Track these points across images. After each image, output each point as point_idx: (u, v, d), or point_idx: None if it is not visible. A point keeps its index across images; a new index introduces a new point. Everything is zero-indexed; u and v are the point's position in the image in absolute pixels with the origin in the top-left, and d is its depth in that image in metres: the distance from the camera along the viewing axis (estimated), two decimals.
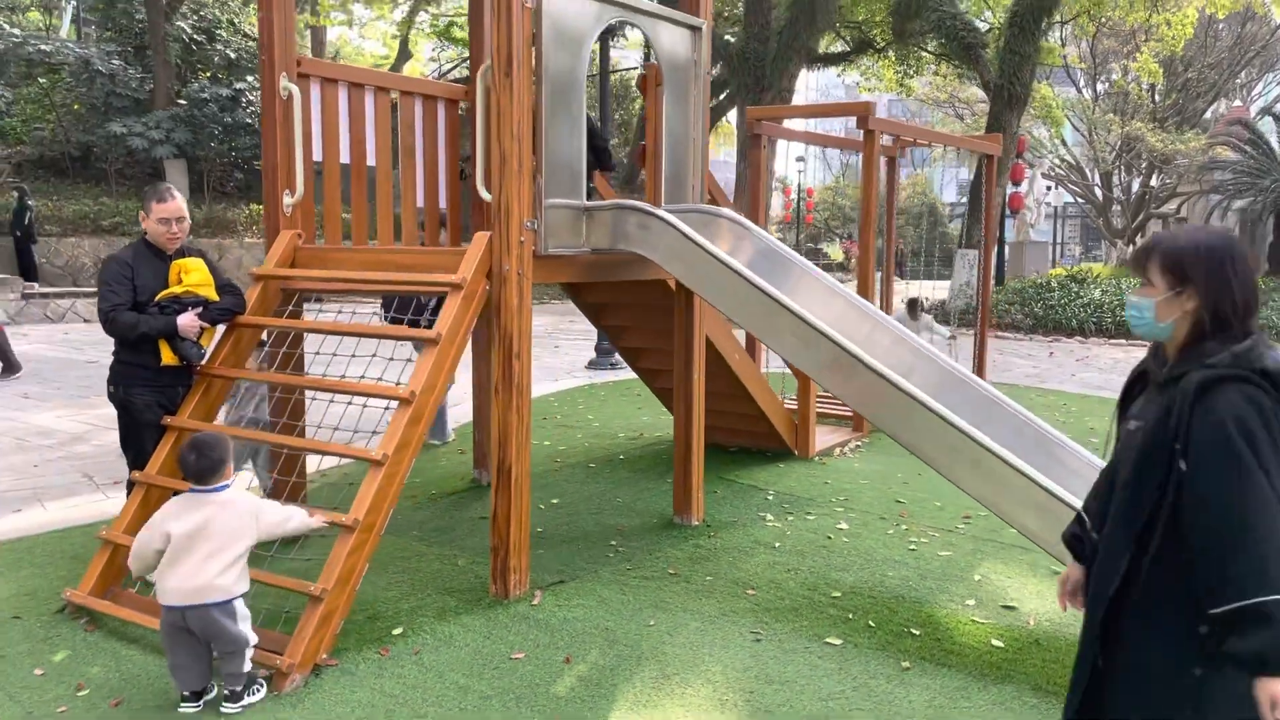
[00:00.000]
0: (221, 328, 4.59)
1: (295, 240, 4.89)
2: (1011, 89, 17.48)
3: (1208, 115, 35.66)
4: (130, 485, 4.41)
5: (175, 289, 4.39)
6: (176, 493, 4.21)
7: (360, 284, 4.68)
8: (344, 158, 5.27)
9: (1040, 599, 4.52)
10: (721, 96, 24.06)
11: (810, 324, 4.03)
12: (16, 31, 23.88)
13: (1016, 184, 20.46)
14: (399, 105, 5.62)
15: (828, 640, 4.05)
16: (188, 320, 4.35)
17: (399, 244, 5.54)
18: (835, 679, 3.72)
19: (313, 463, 6.16)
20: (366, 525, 3.77)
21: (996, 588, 4.67)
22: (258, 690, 3.45)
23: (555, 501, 5.99)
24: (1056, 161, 40.14)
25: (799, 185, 43.95)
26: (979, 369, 9.81)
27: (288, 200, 4.90)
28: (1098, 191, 40.18)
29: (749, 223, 4.97)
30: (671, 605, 4.38)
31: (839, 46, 30.89)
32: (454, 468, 6.73)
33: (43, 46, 23.23)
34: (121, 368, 4.40)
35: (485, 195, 4.26)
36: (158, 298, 4.37)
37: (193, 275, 4.43)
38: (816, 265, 4.85)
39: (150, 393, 4.39)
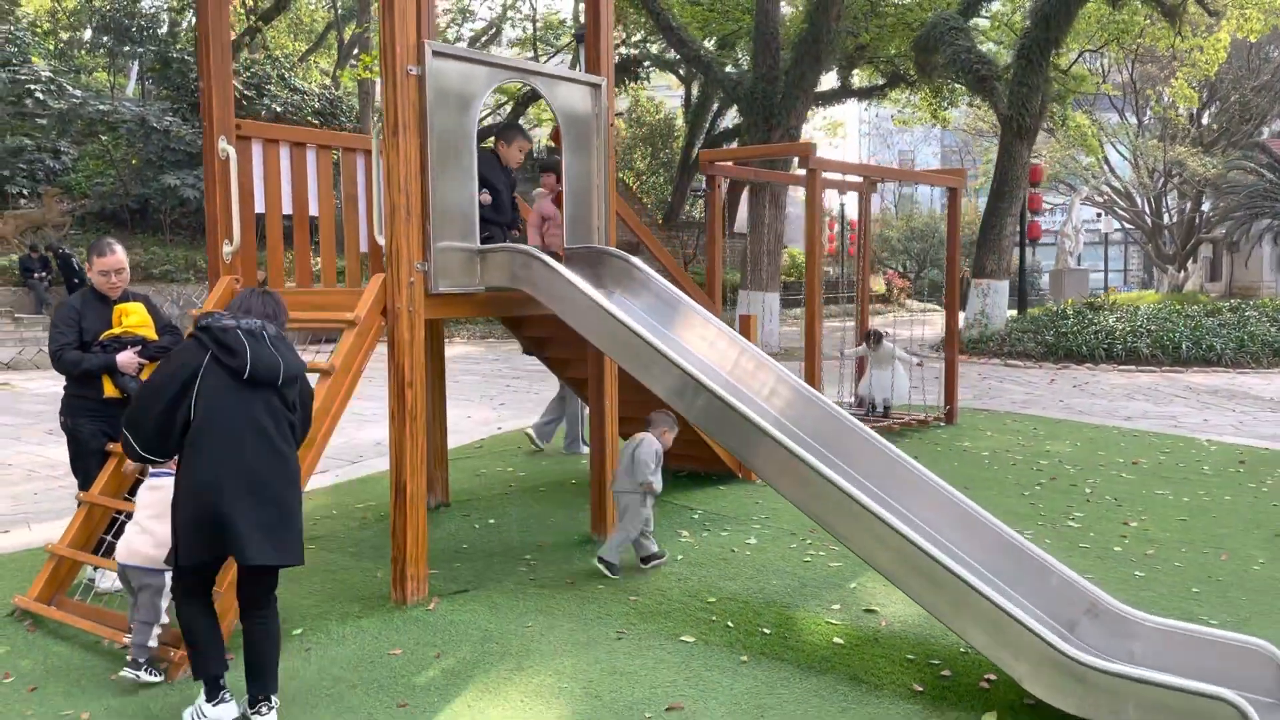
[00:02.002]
0: None
1: (233, 284, 5.45)
2: (1021, 120, 17.67)
3: (1265, 137, 35.23)
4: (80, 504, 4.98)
5: (115, 330, 4.97)
6: (119, 512, 4.80)
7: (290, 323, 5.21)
8: (287, 209, 5.85)
9: (904, 605, 4.82)
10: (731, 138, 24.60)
11: (658, 350, 4.45)
12: (78, 92, 25.35)
13: (1035, 213, 20.56)
14: (342, 160, 6.19)
15: (682, 638, 4.43)
16: (126, 357, 4.92)
17: (342, 285, 6.09)
18: (673, 670, 4.10)
19: None
20: None
21: (866, 595, 4.99)
22: (155, 674, 3.94)
23: (491, 521, 6.44)
24: (1106, 189, 39.87)
25: (843, 218, 44.13)
26: (949, 394, 10.07)
27: (227, 249, 5.47)
28: (1147, 218, 39.73)
29: (637, 261, 5.41)
30: (555, 611, 4.79)
31: (875, 80, 31.35)
32: None
33: (101, 106, 24.68)
34: (70, 399, 4.99)
35: (380, 240, 4.77)
36: (101, 337, 4.95)
37: (132, 317, 5.01)
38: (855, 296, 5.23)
39: (95, 422, 4.96)
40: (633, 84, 23.96)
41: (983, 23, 26.64)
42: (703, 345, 5.16)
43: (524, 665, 4.15)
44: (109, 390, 4.94)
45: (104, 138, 25.52)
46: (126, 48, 30.24)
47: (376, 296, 4.75)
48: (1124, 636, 3.96)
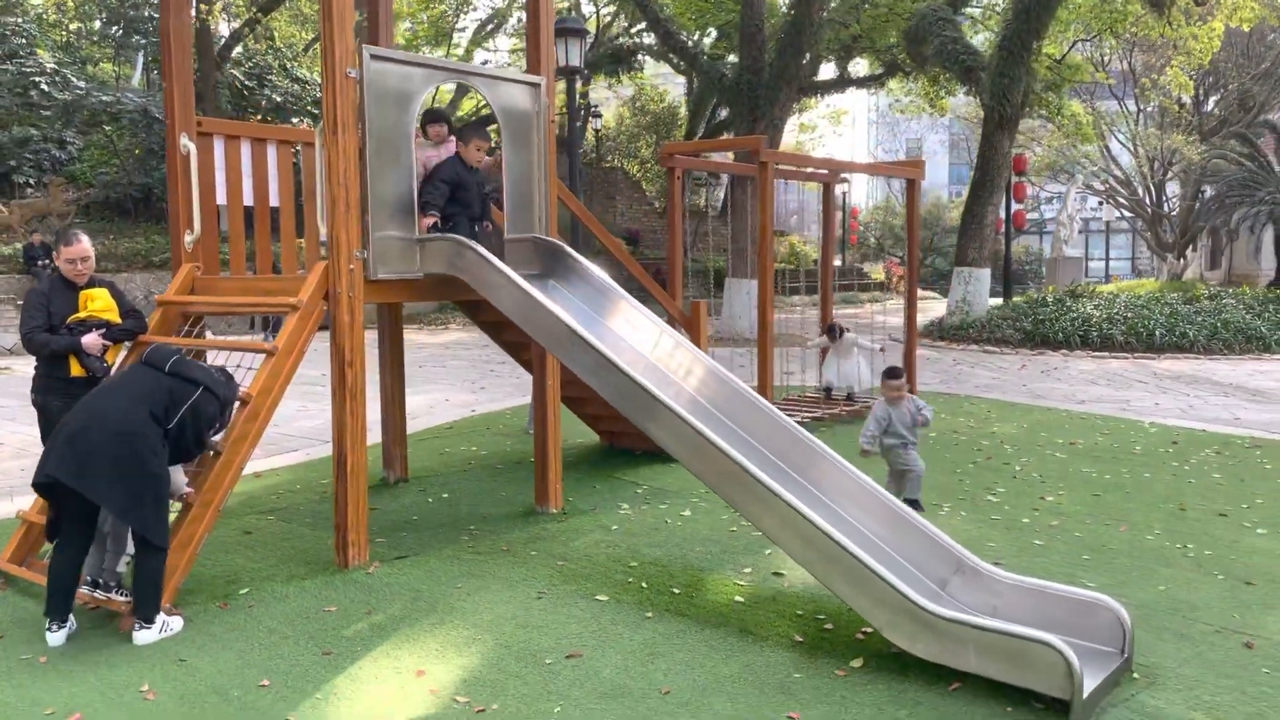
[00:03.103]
0: (128, 346, 5.55)
1: (193, 272, 5.85)
2: (1002, 111, 17.93)
3: (1276, 115, 35.21)
4: None
5: (81, 314, 5.36)
6: None
7: (235, 307, 5.62)
8: (249, 200, 6.24)
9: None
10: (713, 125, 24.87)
11: (575, 331, 4.82)
12: (82, 84, 25.81)
13: (1019, 201, 20.82)
14: (302, 155, 6.57)
15: (597, 597, 4.82)
16: (91, 339, 5.31)
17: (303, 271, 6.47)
18: (581, 625, 4.48)
19: None
20: (204, 502, 4.67)
21: (778, 561, 5.35)
22: (124, 595, 4.40)
23: (445, 495, 6.84)
24: (1109, 178, 39.97)
25: (844, 207, 44.39)
26: (909, 376, 10.38)
27: (188, 238, 5.86)
28: (1148, 207, 39.80)
29: (569, 249, 5.78)
30: (486, 574, 5.18)
31: (875, 69, 31.55)
32: (371, 469, 7.60)
33: (104, 97, 25.14)
34: (40, 379, 5.39)
35: (323, 230, 5.16)
36: (68, 321, 5.35)
37: (96, 302, 5.40)
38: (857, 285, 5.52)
39: (62, 399, 5.33)
40: (627, 74, 24.18)
41: (975, 12, 26.82)
42: (627, 329, 5.52)
43: (446, 620, 4.54)
44: (75, 370, 5.33)
45: (107, 128, 25.97)
46: (132, 39, 30.74)
47: (318, 283, 5.14)
48: (988, 593, 4.33)
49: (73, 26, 34.47)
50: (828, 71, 30.45)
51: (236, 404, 4.86)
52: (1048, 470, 7.47)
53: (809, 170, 10.12)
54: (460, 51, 32.07)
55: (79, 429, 4.09)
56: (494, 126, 6.31)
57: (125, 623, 4.39)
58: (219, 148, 6.08)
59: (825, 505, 4.76)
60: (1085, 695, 3.58)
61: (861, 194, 64.27)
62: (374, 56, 5.14)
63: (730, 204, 17.88)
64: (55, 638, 4.28)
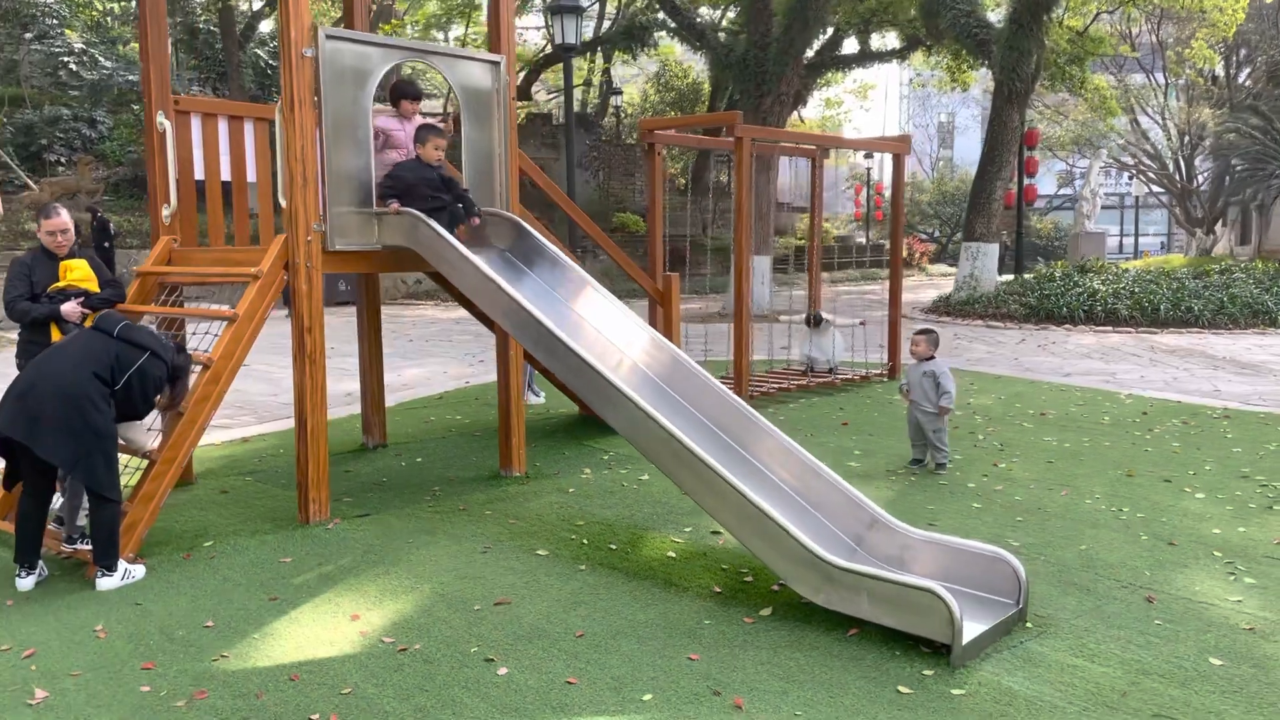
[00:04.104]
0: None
1: (170, 244, 6.14)
2: (1012, 85, 17.88)
3: None
4: None
5: (61, 283, 5.67)
6: None
7: (208, 277, 5.90)
8: (225, 175, 6.52)
9: None
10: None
11: (524, 307, 5.06)
12: (109, 64, 26.32)
13: (1031, 176, 20.74)
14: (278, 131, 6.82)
15: (537, 552, 5.07)
16: (70, 307, 5.61)
17: None
18: (516, 576, 4.74)
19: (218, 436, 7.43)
20: (166, 459, 4.97)
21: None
22: (86, 543, 4.70)
23: (419, 460, 7.12)
24: (1138, 152, 39.49)
25: (869, 182, 44.23)
26: (891, 352, 10.54)
27: (165, 211, 6.15)
28: (1178, 181, 39.29)
29: (526, 224, 6.01)
30: (438, 531, 5.45)
31: (896, 44, 31.39)
32: (352, 435, 7.90)
33: (130, 77, 25.63)
34: (23, 344, 5.70)
35: (283, 203, 5.42)
36: (49, 290, 5.66)
37: (75, 272, 5.70)
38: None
39: None
40: (641, 50, 24.29)
41: None
42: (580, 303, 5.74)
43: (390, 571, 4.82)
44: (56, 336, 5.62)
45: (135, 107, 26.46)
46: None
47: (278, 253, 5.41)
48: (899, 547, 4.53)
49: (102, 6, 35.13)
50: (849, 46, 30.37)
51: (197, 369, 5.16)
52: (1010, 439, 7.63)
53: (790, 145, 10.25)
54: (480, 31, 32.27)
55: (28, 387, 4.39)
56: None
57: (90, 570, 4.70)
58: (196, 125, 6.35)
59: (754, 467, 4.97)
60: (968, 640, 3.80)
61: (889, 170, 63.86)
62: (329, 36, 5.38)
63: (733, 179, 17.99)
64: (24, 583, 4.61)
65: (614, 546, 5.14)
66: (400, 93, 6.17)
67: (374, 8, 36.69)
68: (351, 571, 4.82)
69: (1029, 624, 4.15)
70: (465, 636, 4.06)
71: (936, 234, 46.03)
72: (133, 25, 34.55)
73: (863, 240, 39.99)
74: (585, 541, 5.23)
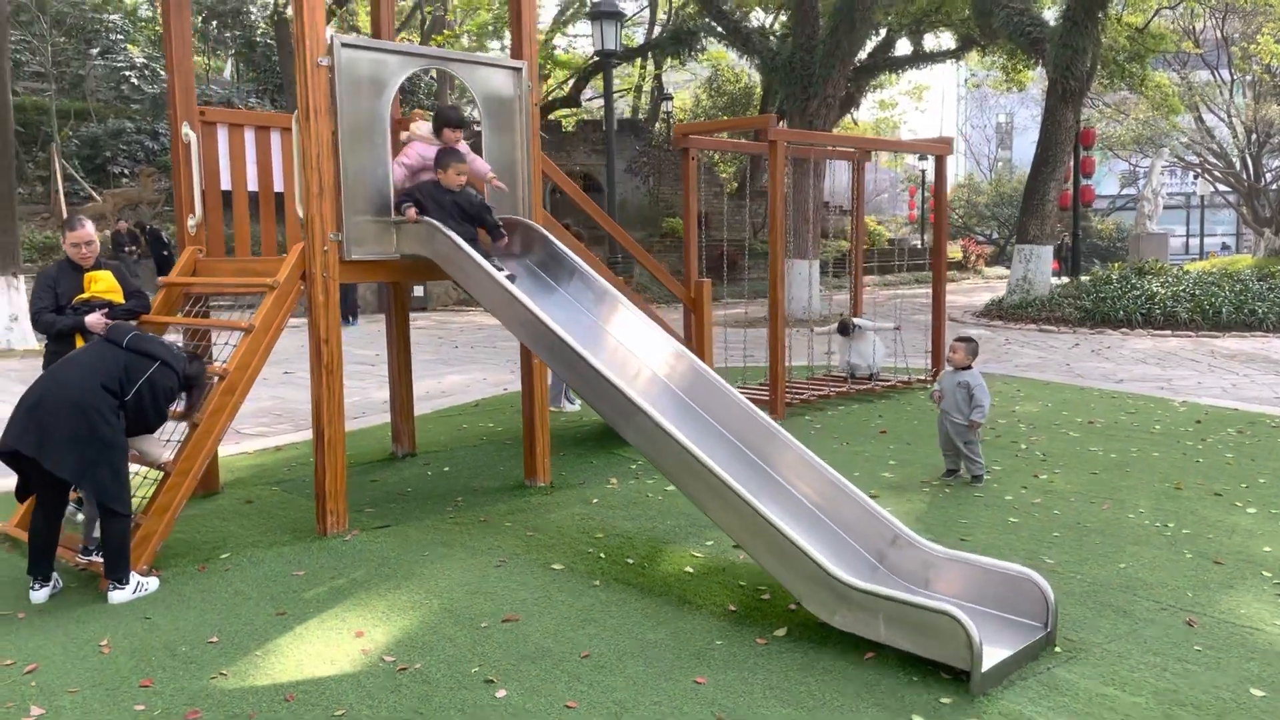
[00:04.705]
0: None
1: (195, 254, 6.15)
2: (1066, 83, 17.43)
3: None
4: None
5: (85, 295, 5.71)
6: None
7: (229, 288, 5.90)
8: (253, 186, 6.53)
9: None
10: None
11: (538, 318, 4.96)
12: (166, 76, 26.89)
13: (1088, 177, 20.22)
14: None
15: (553, 566, 4.97)
16: (94, 318, 5.64)
17: None
18: (528, 591, 4.64)
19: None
20: (181, 470, 4.95)
21: None
22: (100, 555, 4.69)
23: (445, 469, 7.07)
24: (1202, 150, 38.40)
25: (923, 184, 43.55)
26: (935, 358, 10.27)
27: (191, 222, 6.17)
28: (1245, 180, 38.12)
29: (547, 233, 5.92)
30: (456, 543, 5.37)
31: (950, 44, 30.88)
32: (384, 443, 7.86)
33: None
34: (49, 355, 5.73)
35: (299, 212, 5.39)
36: (74, 301, 5.70)
37: (99, 284, 5.73)
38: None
39: None
40: (689, 55, 24.18)
41: None
42: (602, 311, 5.63)
43: (401, 585, 4.74)
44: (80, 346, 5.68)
45: (240, 110, 27.00)
46: (225, 34, 31.87)
47: (295, 263, 5.38)
48: (922, 565, 4.35)
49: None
50: (903, 48, 29.93)
51: (215, 379, 5.14)
52: (1053, 449, 7.36)
53: (831, 148, 10.05)
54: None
55: (37, 400, 4.39)
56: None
57: (103, 583, 4.69)
58: (223, 135, 6.37)
59: (775, 481, 4.82)
60: (989, 666, 3.61)
61: (949, 171, 62.92)
62: (345, 45, 5.34)
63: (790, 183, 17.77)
64: (38, 595, 4.61)
65: (631, 561, 5.02)
66: (444, 120, 5.90)
67: (428, 19, 37.06)
68: (363, 586, 4.75)
69: (1058, 648, 3.94)
70: (468, 655, 3.97)
71: (995, 235, 45.20)
72: (194, 39, 35.34)
73: (918, 243, 39.43)
74: (602, 555, 5.11)
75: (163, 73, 27.07)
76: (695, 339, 8.00)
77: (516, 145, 6.14)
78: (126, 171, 25.84)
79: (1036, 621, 3.99)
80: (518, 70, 6.10)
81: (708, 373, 5.22)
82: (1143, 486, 6.28)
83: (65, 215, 22.32)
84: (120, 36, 27.70)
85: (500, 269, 5.34)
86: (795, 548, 4.01)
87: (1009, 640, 3.86)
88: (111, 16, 28.49)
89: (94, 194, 24.24)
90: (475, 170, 5.94)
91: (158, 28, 33.82)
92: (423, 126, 5.98)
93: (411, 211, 5.49)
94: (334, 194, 5.38)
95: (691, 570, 4.88)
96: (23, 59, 24.89)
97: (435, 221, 5.45)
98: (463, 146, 5.87)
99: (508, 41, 32.28)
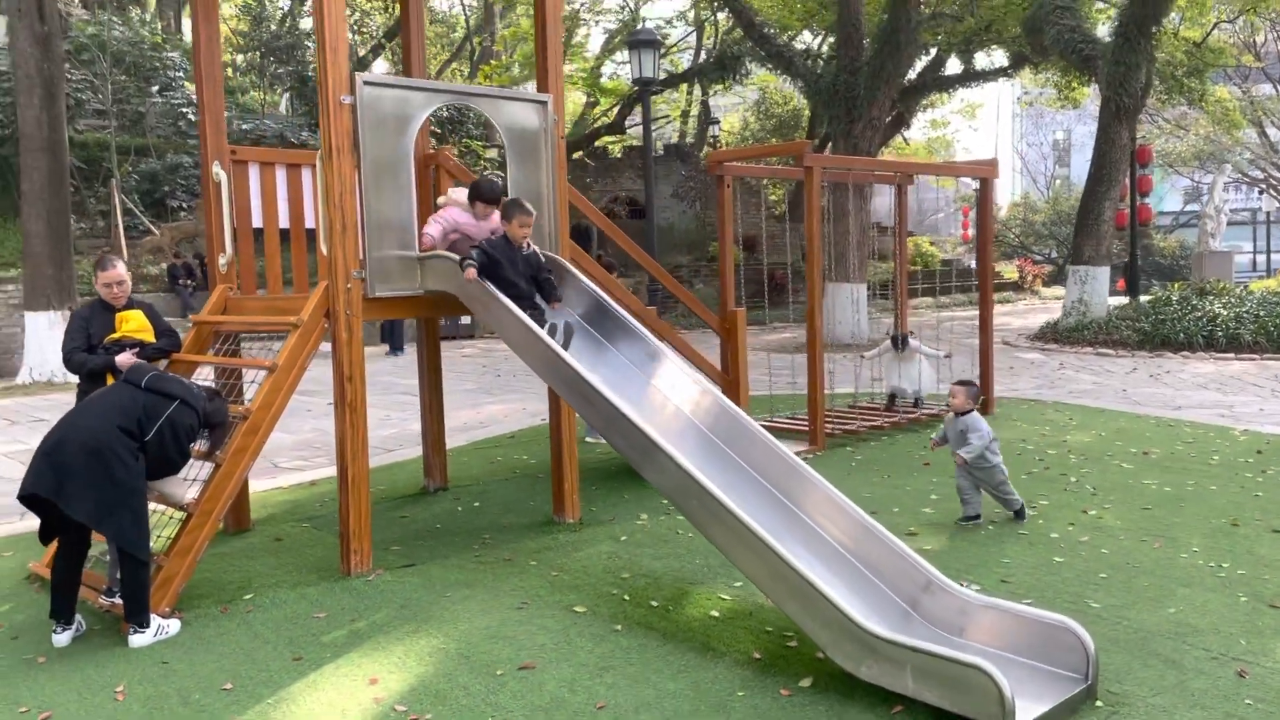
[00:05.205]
0: (163, 363, 5.90)
1: (226, 292, 6.17)
2: (1119, 100, 17.05)
3: None
4: None
5: (116, 334, 5.74)
6: None
7: (257, 325, 5.90)
8: (284, 223, 6.55)
9: None
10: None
11: (555, 352, 4.88)
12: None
13: (1144, 195, 19.74)
14: None
15: (575, 608, 4.85)
16: (125, 358, 5.66)
17: None
18: (547, 635, 4.53)
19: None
20: (204, 512, 4.93)
21: None
22: (117, 597, 4.68)
23: (475, 504, 6.99)
24: (1266, 166, 37.45)
25: (977, 204, 42.99)
26: (983, 384, 9.98)
27: (222, 260, 6.20)
28: None
29: (573, 268, 5.84)
30: (478, 584, 5.27)
31: (1002, 61, 30.45)
32: (415, 478, 7.81)
33: (244, 125, 26.67)
34: (81, 394, 5.76)
35: (324, 250, 5.37)
36: (105, 340, 5.74)
37: (130, 323, 5.76)
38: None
39: None
40: (733, 79, 24.13)
41: (1099, 3, 25.58)
42: (624, 344, 5.53)
43: (421, 629, 4.66)
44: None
45: (271, 148, 27.52)
46: (280, 69, 32.56)
47: (319, 301, 5.36)
48: (956, 612, 4.16)
49: (224, 58, 36.82)
50: (954, 66, 29.59)
51: (234, 419, 5.12)
52: (1105, 482, 7.08)
53: (866, 172, 9.87)
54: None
55: (55, 443, 4.39)
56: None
57: (125, 626, 4.67)
58: (254, 173, 6.41)
59: (803, 523, 4.67)
60: None
61: (1004, 190, 62.12)
62: (367, 83, 5.33)
63: (831, 206, 17.60)
64: (60, 639, 4.60)
65: (655, 603, 4.88)
66: (478, 193, 5.79)
67: (477, 50, 37.54)
68: (381, 629, 4.67)
69: (1099, 702, 3.73)
70: (481, 705, 3.86)
71: (1054, 255, 44.41)
72: (249, 75, 36.17)
73: (973, 263, 38.83)
74: (626, 597, 4.98)
75: None
76: (730, 368, 7.86)
77: (542, 179, 6.08)
78: (184, 205, 26.37)
79: (1076, 673, 3.79)
80: (543, 104, 6.05)
81: (732, 408, 5.09)
82: (1197, 522, 6.00)
83: (125, 249, 22.89)
84: (179, 74, 28.36)
85: (545, 317, 5.27)
86: (819, 594, 3.85)
87: (1047, 694, 3.66)
88: (170, 54, 29.21)
89: (152, 228, 24.78)
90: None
91: None
92: (459, 193, 5.96)
93: (470, 272, 5.26)
94: (356, 232, 5.35)
95: (717, 614, 4.73)
96: (84, 97, 25.58)
97: (456, 257, 5.40)
98: (495, 218, 5.79)
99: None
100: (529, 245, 5.54)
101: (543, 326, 5.17)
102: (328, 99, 5.23)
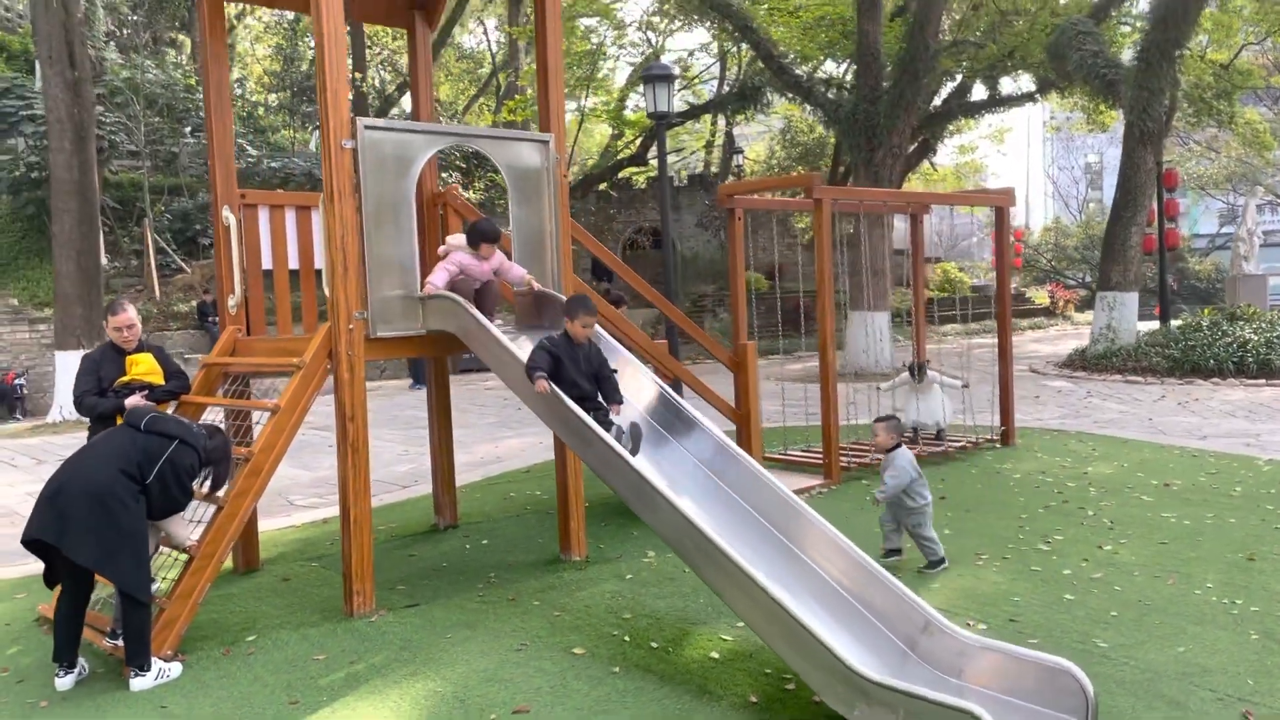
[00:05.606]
0: (171, 406, 5.97)
1: (235, 334, 6.24)
2: (1143, 125, 16.92)
3: None
4: None
5: (126, 378, 5.82)
6: None
7: (263, 366, 5.96)
8: (294, 264, 6.63)
9: None
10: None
11: (554, 391, 4.88)
12: (253, 151, 27.93)
13: (1172, 219, 19.53)
14: None
15: (574, 650, 4.81)
16: (134, 401, 5.73)
17: None
18: (544, 678, 4.49)
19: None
20: (206, 554, 4.96)
21: None
22: (118, 636, 4.71)
23: (484, 542, 6.98)
24: None
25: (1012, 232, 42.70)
26: (1004, 415, 9.87)
27: (231, 302, 6.27)
28: None
29: (561, 297, 5.87)
30: (479, 625, 5.25)
31: (1029, 86, 30.34)
32: (427, 515, 7.82)
33: (273, 164, 27.11)
34: (91, 435, 5.86)
35: (326, 292, 5.42)
36: (115, 384, 5.81)
37: (139, 366, 5.84)
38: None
39: None
40: (756, 110, 24.22)
41: (1126, 29, 25.48)
42: (630, 385, 5.53)
43: (419, 672, 4.64)
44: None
45: (280, 192, 27.94)
46: (310, 108, 33.10)
47: (322, 342, 5.40)
48: (955, 654, 4.09)
49: (254, 98, 37.48)
50: (979, 92, 29.52)
51: (237, 460, 5.16)
52: (1124, 515, 6.96)
53: (879, 204, 9.83)
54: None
55: (57, 488, 4.44)
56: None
57: (126, 669, 4.69)
58: (264, 216, 6.49)
59: (800, 560, 4.62)
60: None
61: (1036, 215, 61.74)
62: (368, 127, 5.40)
63: (855, 232, 17.57)
64: (63, 682, 4.63)
65: (655, 645, 4.84)
66: (480, 234, 5.78)
67: (503, 86, 37.95)
68: (379, 671, 4.67)
69: None
70: None
71: (1086, 279, 43.97)
72: (280, 114, 36.80)
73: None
74: (627, 638, 4.94)
75: (250, 149, 28.20)
76: (741, 402, 7.83)
77: (544, 217, 6.11)
78: None
79: (1075, 717, 3.70)
80: (545, 143, 6.09)
81: (731, 446, 5.06)
82: (1213, 557, 5.87)
83: (157, 287, 23.27)
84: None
85: (609, 417, 5.13)
86: (811, 636, 3.80)
87: None
88: (201, 96, 29.77)
89: (184, 266, 25.15)
90: (511, 276, 5.94)
91: (246, 108, 35.35)
92: (457, 239, 6.01)
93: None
94: (358, 274, 5.40)
95: (717, 656, 4.68)
96: (118, 139, 26.07)
97: (458, 298, 5.44)
98: (498, 256, 5.84)
99: (584, 102, 32.93)
100: (589, 341, 5.36)
101: (608, 430, 4.89)
102: (329, 143, 5.30)
